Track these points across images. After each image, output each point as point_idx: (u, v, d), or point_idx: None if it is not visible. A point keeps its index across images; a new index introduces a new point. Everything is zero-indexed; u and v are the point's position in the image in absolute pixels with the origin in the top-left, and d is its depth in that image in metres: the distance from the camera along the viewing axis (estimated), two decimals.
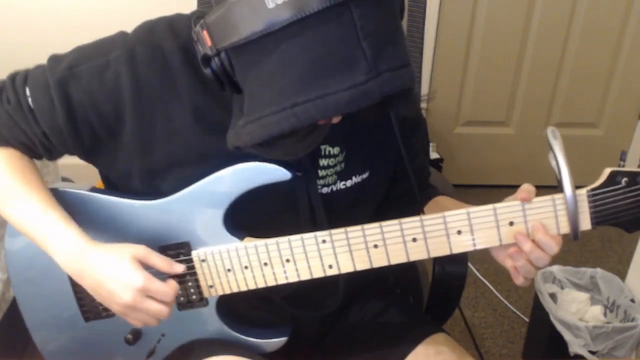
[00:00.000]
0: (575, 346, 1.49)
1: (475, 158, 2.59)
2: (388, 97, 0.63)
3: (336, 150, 0.84)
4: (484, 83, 2.42)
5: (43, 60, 0.83)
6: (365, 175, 0.88)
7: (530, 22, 2.30)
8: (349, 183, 0.86)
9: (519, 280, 0.78)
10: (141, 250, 0.79)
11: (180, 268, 0.82)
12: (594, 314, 1.62)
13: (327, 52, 0.57)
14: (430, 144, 2.44)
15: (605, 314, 1.62)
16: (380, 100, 0.60)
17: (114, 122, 0.79)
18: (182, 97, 0.78)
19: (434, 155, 2.41)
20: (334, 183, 0.86)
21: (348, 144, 0.85)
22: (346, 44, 0.57)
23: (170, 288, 0.79)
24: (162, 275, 0.81)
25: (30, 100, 0.80)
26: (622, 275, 1.68)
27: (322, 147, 0.83)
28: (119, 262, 0.77)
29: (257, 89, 0.62)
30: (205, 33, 0.64)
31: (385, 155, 0.89)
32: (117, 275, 0.76)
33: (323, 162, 0.84)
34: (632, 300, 1.58)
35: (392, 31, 0.60)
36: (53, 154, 0.86)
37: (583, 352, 1.49)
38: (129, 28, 0.82)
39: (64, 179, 0.94)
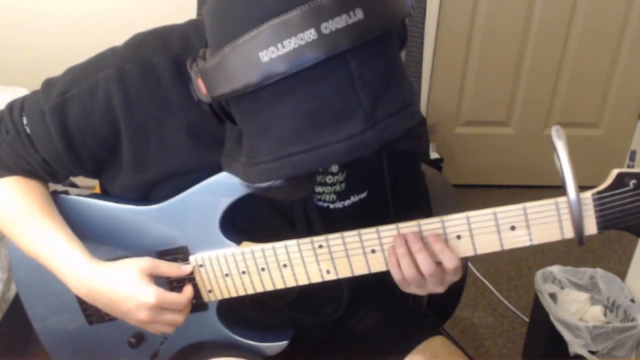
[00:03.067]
0: (575, 346, 1.49)
1: (475, 158, 2.58)
2: None
3: (335, 168, 0.83)
4: (484, 83, 2.42)
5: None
6: (363, 196, 0.87)
7: (531, 22, 2.30)
8: (347, 203, 0.86)
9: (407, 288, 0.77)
10: (147, 263, 0.79)
11: (188, 268, 0.83)
12: (594, 314, 1.62)
13: (324, 103, 0.56)
14: (430, 144, 2.44)
15: (605, 314, 1.62)
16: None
17: (112, 141, 0.79)
18: (174, 114, 0.77)
19: (434, 155, 2.41)
20: (332, 202, 0.85)
21: (349, 166, 0.84)
22: (343, 95, 0.56)
23: (183, 297, 0.80)
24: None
25: (27, 129, 0.80)
26: (622, 275, 1.68)
27: None
28: (128, 280, 0.77)
29: (254, 136, 0.61)
30: (199, 81, 0.63)
31: (384, 176, 0.87)
32: (129, 295, 0.77)
33: (320, 178, 0.83)
34: (632, 300, 1.58)
35: (391, 74, 0.59)
36: (57, 178, 0.86)
37: (583, 352, 1.49)
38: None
39: (70, 184, 0.95)
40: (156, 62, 0.76)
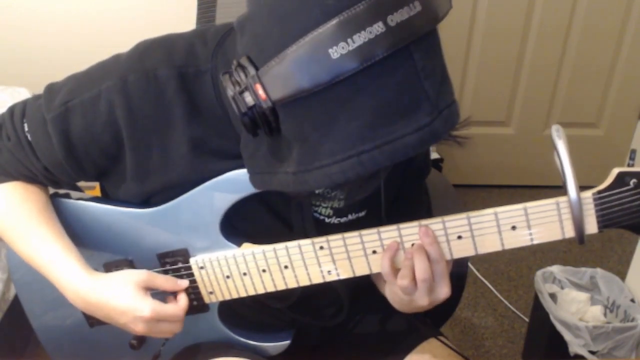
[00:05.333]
0: (575, 346, 1.49)
1: (475, 158, 2.58)
2: None
3: None
4: (484, 83, 2.42)
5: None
6: (361, 214, 0.86)
7: (530, 22, 2.29)
8: (343, 220, 0.85)
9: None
10: (143, 276, 0.79)
11: (184, 283, 0.83)
12: (594, 314, 1.62)
13: (393, 97, 0.56)
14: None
15: (605, 314, 1.62)
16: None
17: (115, 150, 0.78)
18: (177, 126, 0.76)
19: (434, 155, 2.41)
20: (328, 216, 0.84)
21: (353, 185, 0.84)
22: (410, 87, 0.56)
23: (178, 308, 0.80)
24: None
25: (29, 136, 0.80)
26: (622, 275, 1.69)
27: None
28: (123, 294, 0.77)
29: (316, 138, 0.59)
30: (258, 86, 0.59)
31: (385, 196, 0.85)
32: (124, 309, 0.77)
33: (318, 190, 0.81)
34: (632, 300, 1.58)
35: (444, 66, 0.59)
36: (59, 184, 0.86)
37: (583, 352, 1.49)
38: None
39: (73, 186, 0.95)
40: (160, 73, 0.75)
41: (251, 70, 0.60)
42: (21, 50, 2.12)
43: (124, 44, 0.81)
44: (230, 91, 0.62)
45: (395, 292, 0.78)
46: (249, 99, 0.60)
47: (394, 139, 0.56)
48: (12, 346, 1.47)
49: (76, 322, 0.93)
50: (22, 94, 1.74)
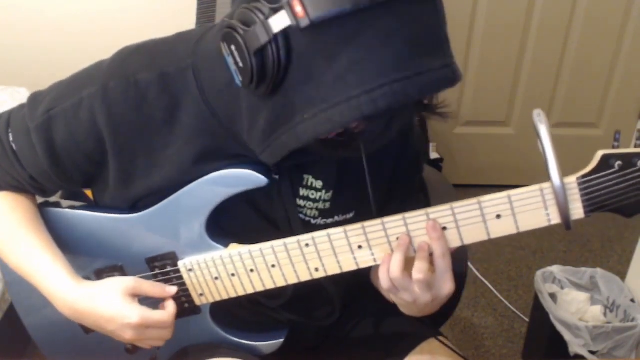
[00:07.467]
0: (575, 346, 1.49)
1: (475, 158, 2.58)
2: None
3: (319, 184, 0.82)
4: (484, 83, 2.42)
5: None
6: (349, 216, 0.85)
7: (531, 21, 2.30)
8: (329, 221, 0.85)
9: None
10: (130, 282, 0.79)
11: (172, 290, 0.83)
12: (594, 314, 1.61)
13: (423, 30, 0.58)
14: (430, 144, 2.44)
15: (605, 314, 1.62)
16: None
17: (99, 156, 0.78)
18: (160, 130, 0.76)
19: (434, 155, 2.41)
20: (314, 217, 0.84)
21: (338, 185, 0.83)
22: (436, 26, 0.59)
23: (166, 314, 0.79)
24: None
25: (14, 145, 0.80)
26: (622, 275, 1.68)
27: (305, 176, 0.82)
28: (111, 301, 0.77)
29: (345, 67, 0.56)
30: (296, 2, 0.55)
31: (374, 197, 0.83)
32: (112, 316, 0.76)
33: (303, 191, 0.82)
34: (632, 300, 1.58)
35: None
36: (46, 193, 0.86)
37: (583, 352, 1.48)
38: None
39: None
40: (141, 77, 0.74)
41: None
42: (21, 50, 2.12)
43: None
44: (241, 30, 0.58)
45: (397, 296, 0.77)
46: (279, 22, 0.56)
47: (424, 72, 0.58)
48: (12, 346, 1.47)
49: (72, 328, 0.92)
50: (22, 94, 1.75)
